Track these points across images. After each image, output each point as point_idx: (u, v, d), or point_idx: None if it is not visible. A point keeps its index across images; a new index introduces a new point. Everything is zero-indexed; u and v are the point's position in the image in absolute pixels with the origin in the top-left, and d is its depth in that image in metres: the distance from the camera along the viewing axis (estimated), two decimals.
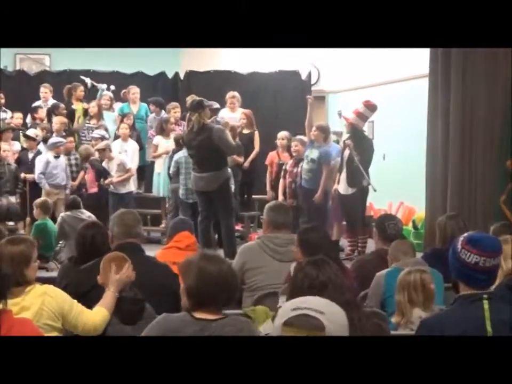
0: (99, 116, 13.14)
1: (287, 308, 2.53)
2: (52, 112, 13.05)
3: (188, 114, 9.89)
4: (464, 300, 3.86)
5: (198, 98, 10.09)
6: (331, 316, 2.50)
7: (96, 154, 11.91)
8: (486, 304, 3.78)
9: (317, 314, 2.45)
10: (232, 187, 10.83)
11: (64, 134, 12.43)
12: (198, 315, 3.75)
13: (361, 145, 10.48)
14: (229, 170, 10.33)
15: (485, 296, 3.81)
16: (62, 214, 9.97)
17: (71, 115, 13.19)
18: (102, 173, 11.65)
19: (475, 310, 3.78)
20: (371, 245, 8.87)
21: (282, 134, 12.26)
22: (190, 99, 12.58)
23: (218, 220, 10.19)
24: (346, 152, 10.49)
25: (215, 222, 10.32)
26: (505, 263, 5.01)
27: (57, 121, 12.61)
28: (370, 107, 10.71)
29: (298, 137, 11.57)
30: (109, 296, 4.65)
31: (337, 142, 12.28)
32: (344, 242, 11.19)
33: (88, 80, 13.85)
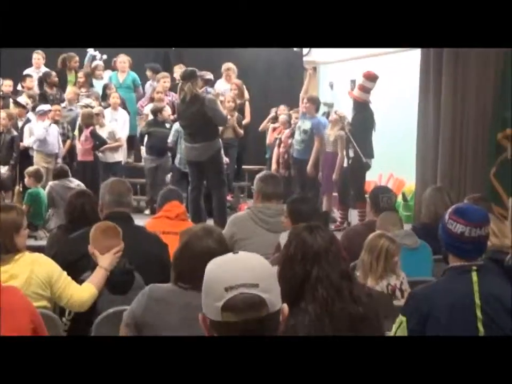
0: (87, 84, 13.09)
1: (219, 286, 2.15)
2: (43, 80, 13.00)
3: (179, 84, 9.84)
4: (453, 272, 3.88)
5: (190, 68, 10.04)
6: (266, 282, 2.17)
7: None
8: (474, 276, 3.79)
9: (252, 290, 2.11)
10: (224, 157, 10.88)
11: (75, 104, 12.54)
12: (186, 285, 3.77)
13: (365, 118, 10.51)
14: (220, 141, 10.35)
15: (474, 268, 3.81)
16: (50, 183, 9.96)
17: (63, 84, 13.13)
18: (101, 145, 11.62)
19: (464, 282, 3.79)
20: None
21: (284, 119, 12.34)
22: (178, 69, 12.60)
23: (210, 190, 10.20)
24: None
25: (206, 192, 10.34)
26: None
27: (71, 91, 12.64)
28: (371, 77, 10.68)
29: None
30: (100, 274, 4.63)
31: (328, 113, 12.31)
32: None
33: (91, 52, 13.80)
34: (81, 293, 4.52)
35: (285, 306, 2.18)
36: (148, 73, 13.59)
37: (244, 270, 2.16)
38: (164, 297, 3.75)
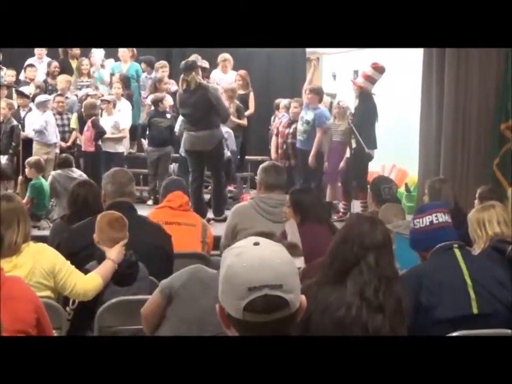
0: (90, 73, 13.11)
1: (243, 285, 2.06)
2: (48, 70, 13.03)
3: (181, 76, 9.84)
4: (437, 250, 4.18)
5: (190, 59, 10.16)
6: (289, 282, 2.11)
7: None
8: (457, 251, 4.13)
9: (276, 291, 2.06)
10: (230, 146, 10.96)
11: (68, 92, 12.48)
12: None
13: (368, 108, 10.48)
14: (225, 130, 10.36)
15: (455, 245, 4.16)
16: (53, 173, 9.93)
17: (68, 73, 13.11)
18: (101, 135, 11.55)
19: (450, 258, 4.12)
20: None
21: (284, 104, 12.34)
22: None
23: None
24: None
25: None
26: (490, 227, 5.06)
27: (62, 79, 12.58)
28: (379, 69, 10.63)
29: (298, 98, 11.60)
30: (108, 266, 4.61)
31: (331, 103, 12.27)
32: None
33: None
34: (85, 282, 4.52)
35: (303, 298, 2.16)
36: (143, 66, 13.53)
37: (269, 269, 2.08)
38: (205, 280, 3.79)
